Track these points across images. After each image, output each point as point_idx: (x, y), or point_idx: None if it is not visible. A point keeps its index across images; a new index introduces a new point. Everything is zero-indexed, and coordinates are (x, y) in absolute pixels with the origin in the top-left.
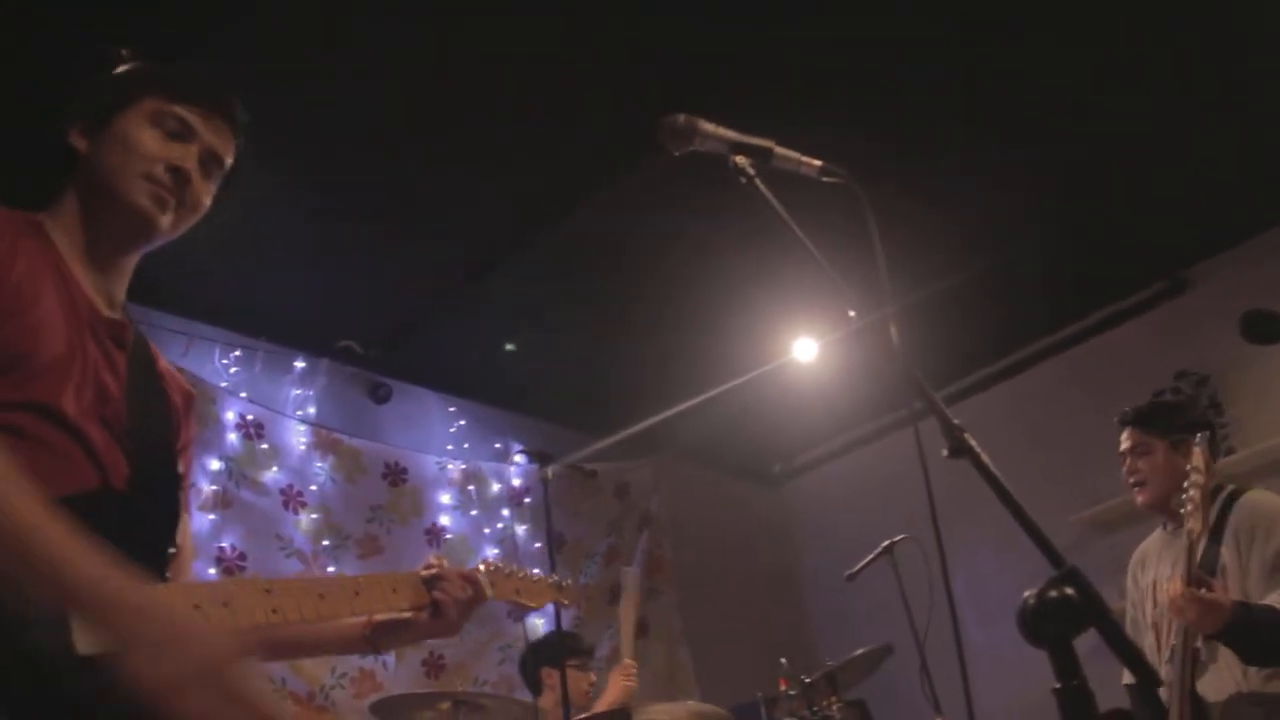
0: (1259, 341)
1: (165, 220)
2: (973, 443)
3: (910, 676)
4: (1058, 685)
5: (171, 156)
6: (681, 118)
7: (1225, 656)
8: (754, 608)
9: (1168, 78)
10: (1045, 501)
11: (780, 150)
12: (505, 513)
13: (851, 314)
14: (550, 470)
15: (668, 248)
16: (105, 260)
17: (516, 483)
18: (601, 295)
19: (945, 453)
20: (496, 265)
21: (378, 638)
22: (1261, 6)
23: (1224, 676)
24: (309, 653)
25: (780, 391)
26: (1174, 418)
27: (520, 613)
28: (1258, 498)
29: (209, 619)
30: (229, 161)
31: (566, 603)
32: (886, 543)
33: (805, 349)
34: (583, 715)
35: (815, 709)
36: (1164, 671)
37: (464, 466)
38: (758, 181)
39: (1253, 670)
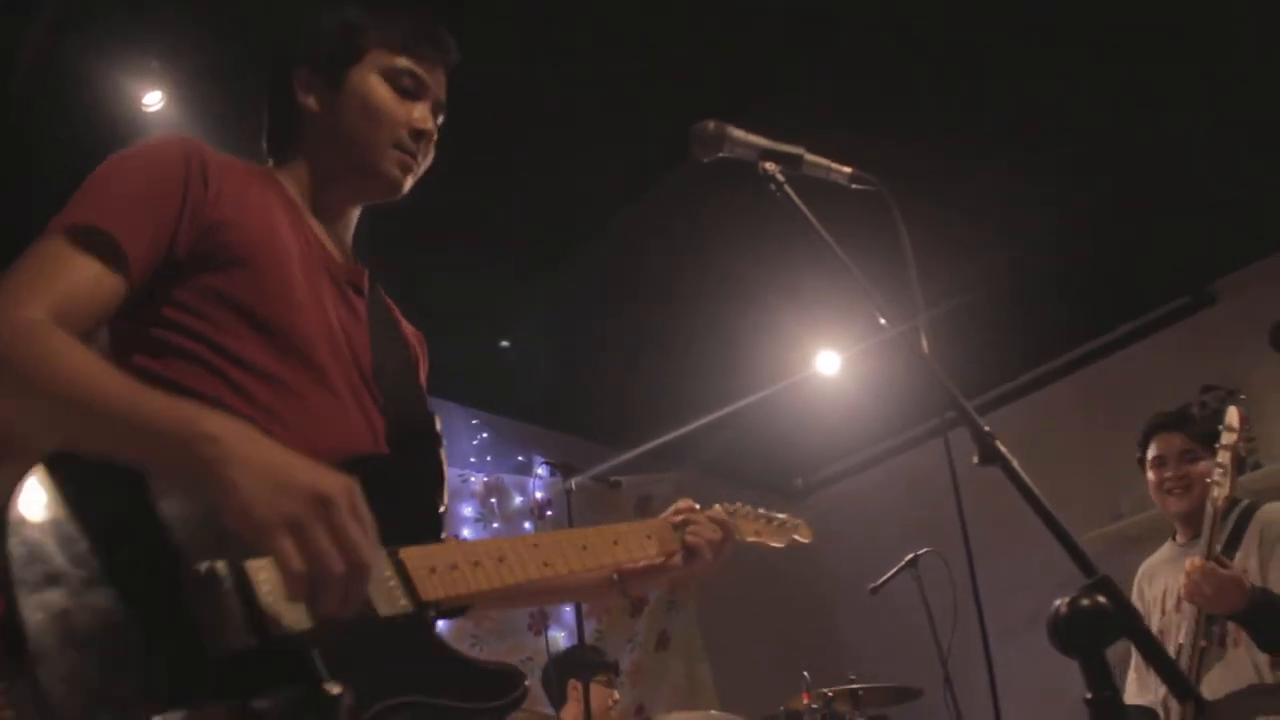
0: None
1: (408, 184)
2: (1003, 449)
3: (934, 690)
4: (1089, 696)
5: (414, 120)
6: (712, 124)
7: (1237, 653)
8: (776, 622)
9: (1198, 92)
10: (1067, 516)
11: (810, 157)
12: (527, 525)
13: (882, 321)
14: (574, 481)
15: (691, 262)
16: (336, 211)
17: (539, 495)
18: (625, 310)
19: (975, 459)
20: (521, 280)
21: (627, 584)
22: None
23: (1237, 671)
24: (559, 599)
25: (803, 405)
26: (1212, 431)
27: (541, 624)
28: (1275, 508)
29: (488, 574)
30: (445, 101)
31: (806, 540)
32: (910, 555)
33: (828, 362)
34: None
35: None
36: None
37: (486, 479)
38: (788, 188)
39: (1268, 665)
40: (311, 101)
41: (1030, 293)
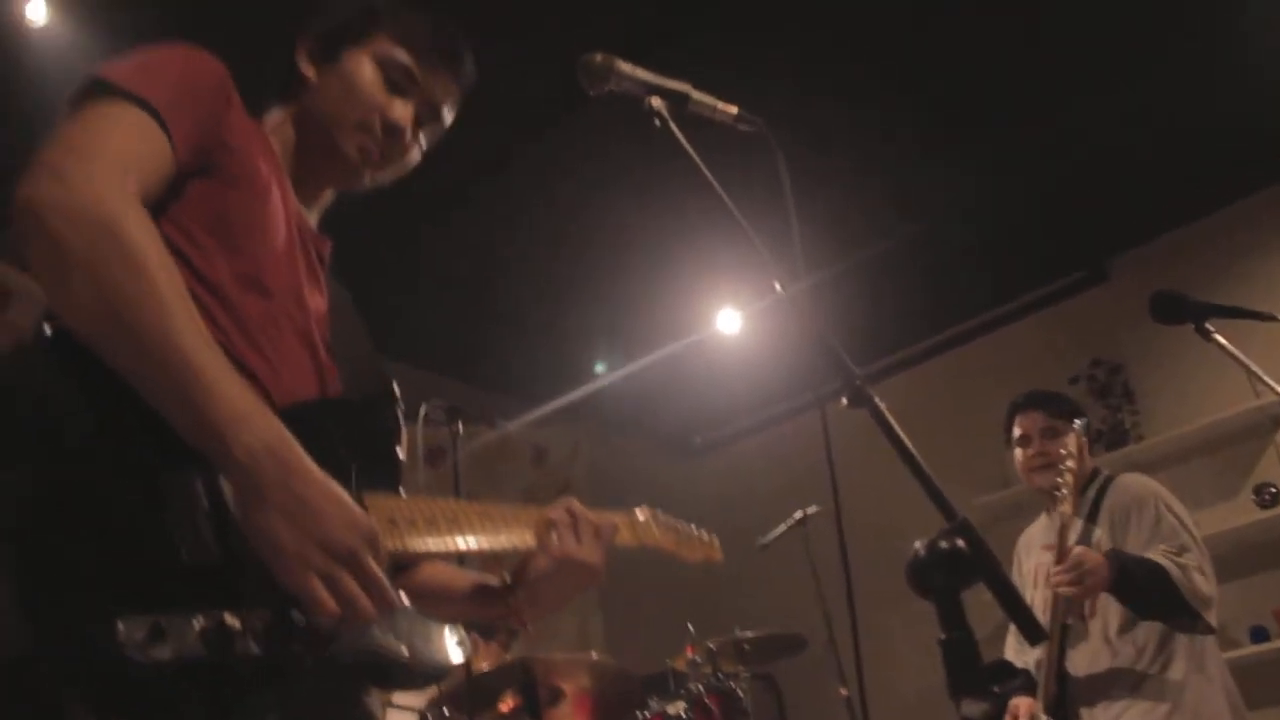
0: (1166, 321)
1: (367, 174)
2: (872, 393)
3: (820, 645)
4: (943, 637)
5: (389, 111)
6: (599, 56)
7: (1095, 633)
8: (670, 579)
9: (1105, 74)
10: (958, 481)
11: (697, 95)
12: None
13: (778, 287)
14: (460, 425)
15: (592, 212)
16: (307, 186)
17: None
18: (525, 262)
19: (844, 402)
20: (420, 226)
21: (521, 606)
22: (1199, 18)
23: (1096, 652)
24: (450, 606)
25: (704, 362)
26: (1071, 406)
27: None
28: (1130, 480)
29: (440, 535)
30: (448, 116)
31: (718, 558)
32: (800, 514)
33: (729, 320)
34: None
35: (721, 675)
36: (1039, 654)
37: None
38: (672, 125)
39: (1124, 646)
40: (307, 68)
41: (930, 260)
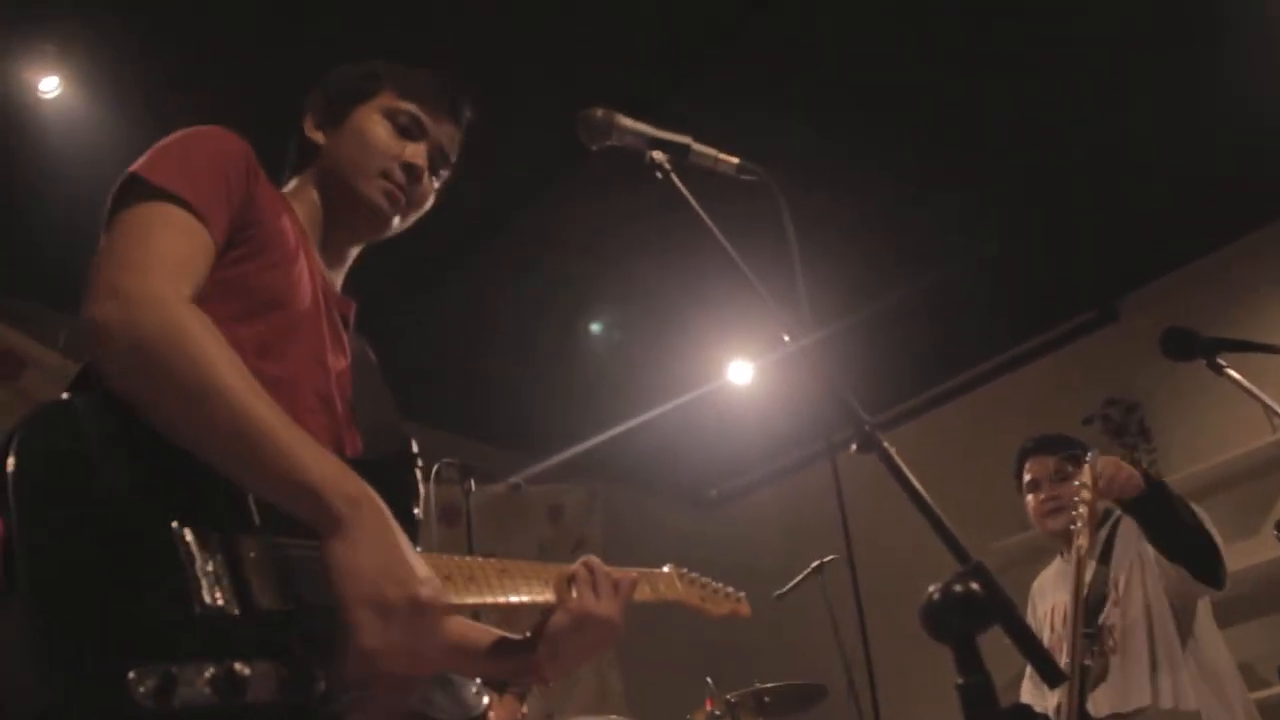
0: (1177, 358)
1: (396, 218)
2: (880, 438)
3: (840, 693)
4: (960, 681)
5: (405, 154)
6: (599, 111)
7: (1116, 674)
8: (689, 632)
9: (1106, 111)
10: (974, 526)
11: (697, 147)
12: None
13: (786, 339)
14: (473, 482)
15: (598, 265)
16: (333, 247)
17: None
18: (534, 314)
19: (853, 448)
20: (426, 282)
21: (541, 663)
22: (1202, 49)
23: (1117, 693)
24: (471, 663)
25: (717, 414)
26: (1081, 447)
27: None
28: None
29: (457, 590)
30: (454, 159)
31: (745, 613)
32: (816, 562)
33: (740, 371)
34: None
35: None
36: (1059, 698)
37: None
38: (674, 177)
39: (1142, 685)
40: (317, 135)
41: (941, 303)
